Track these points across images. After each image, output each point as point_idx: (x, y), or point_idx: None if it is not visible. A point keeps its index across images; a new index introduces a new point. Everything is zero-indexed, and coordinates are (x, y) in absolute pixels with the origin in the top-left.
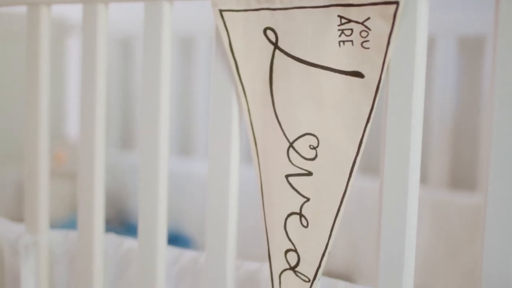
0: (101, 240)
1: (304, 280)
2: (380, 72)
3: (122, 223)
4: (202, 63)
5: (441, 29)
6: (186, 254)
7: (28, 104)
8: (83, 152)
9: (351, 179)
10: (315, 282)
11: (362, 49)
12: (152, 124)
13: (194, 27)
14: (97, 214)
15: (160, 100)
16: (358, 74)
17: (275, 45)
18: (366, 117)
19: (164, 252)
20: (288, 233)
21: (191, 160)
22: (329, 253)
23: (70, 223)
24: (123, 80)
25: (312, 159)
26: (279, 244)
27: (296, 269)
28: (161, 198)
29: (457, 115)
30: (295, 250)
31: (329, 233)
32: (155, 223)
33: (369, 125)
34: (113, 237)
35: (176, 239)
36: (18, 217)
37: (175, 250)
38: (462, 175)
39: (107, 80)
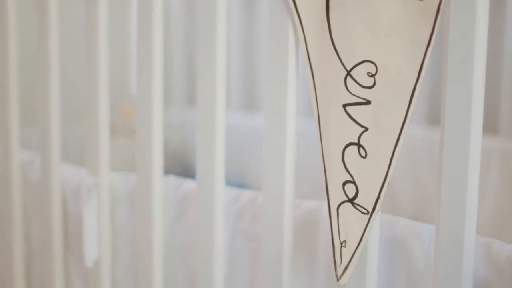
0: (161, 182)
1: (362, 213)
2: None
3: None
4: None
5: None
6: (245, 194)
7: (88, 59)
8: (140, 104)
9: (411, 106)
10: (374, 214)
11: None
12: (209, 80)
13: None
14: (156, 155)
15: (216, 55)
16: None
17: None
18: (426, 41)
19: (222, 189)
20: (346, 164)
21: (255, 114)
22: (388, 184)
23: None
24: (186, 37)
25: (371, 87)
26: (337, 176)
27: (355, 201)
28: (218, 137)
29: None
30: (354, 182)
31: (388, 163)
32: (213, 160)
33: (429, 49)
34: (172, 179)
35: None
36: None
37: (235, 190)
38: None
39: (167, 35)
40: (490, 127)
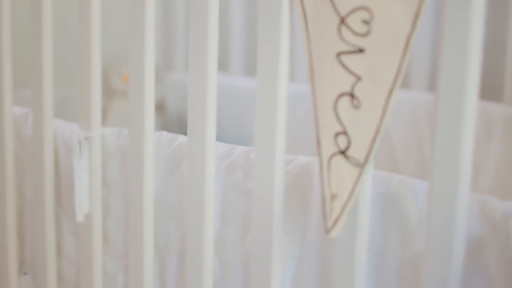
0: (152, 135)
1: (354, 165)
2: None
3: None
4: None
5: None
6: (238, 149)
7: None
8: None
9: (406, 57)
10: (366, 166)
11: None
12: (200, 44)
13: None
14: (147, 110)
15: (208, 23)
16: None
17: None
18: None
19: (213, 144)
20: (339, 115)
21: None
22: (381, 136)
23: None
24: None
25: (365, 35)
26: (329, 127)
27: (346, 153)
28: (210, 90)
29: None
30: (346, 133)
31: (382, 114)
32: (204, 114)
33: None
34: (165, 134)
35: None
36: None
37: (227, 145)
38: None
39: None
40: (495, 95)
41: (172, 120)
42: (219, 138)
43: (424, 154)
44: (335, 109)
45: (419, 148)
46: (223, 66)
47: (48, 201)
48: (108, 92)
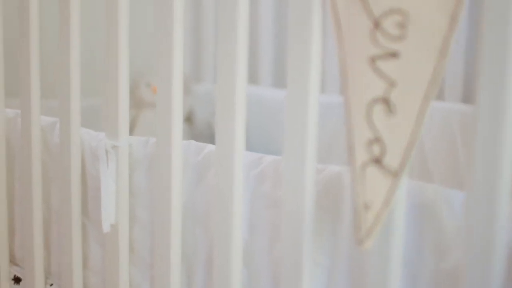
0: (179, 145)
1: (389, 173)
2: None
3: None
4: None
5: None
6: (267, 158)
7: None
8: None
9: (443, 60)
10: (401, 175)
11: None
12: (229, 54)
13: None
14: (175, 119)
15: (238, 33)
16: None
17: None
18: None
19: (242, 152)
20: (373, 121)
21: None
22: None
23: None
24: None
25: (400, 38)
26: (362, 134)
27: (381, 161)
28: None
29: None
30: (380, 140)
31: (418, 120)
32: (233, 122)
33: None
34: (193, 143)
35: None
36: None
37: (255, 154)
38: None
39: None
40: None
41: (201, 132)
42: (246, 149)
43: (458, 165)
44: (368, 115)
45: (453, 159)
46: (252, 78)
47: (75, 211)
48: (137, 103)
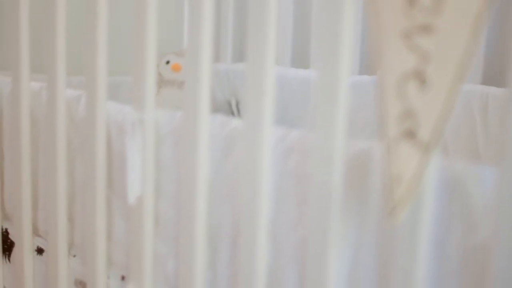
0: (207, 118)
1: (422, 147)
2: None
3: None
4: None
5: None
6: (293, 133)
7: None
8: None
9: (478, 32)
10: (434, 149)
11: None
12: (260, 36)
13: None
14: (203, 92)
15: (268, 13)
16: None
17: None
18: None
19: (270, 127)
20: (406, 96)
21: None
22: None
23: None
24: None
25: (436, 10)
26: (395, 108)
27: (414, 134)
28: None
29: None
30: (413, 114)
31: (451, 95)
32: (262, 97)
33: None
34: (219, 117)
35: None
36: None
37: (282, 129)
38: None
39: None
40: None
41: (220, 111)
42: None
43: (477, 147)
44: (401, 90)
45: (472, 141)
46: None
47: (100, 183)
48: (156, 81)
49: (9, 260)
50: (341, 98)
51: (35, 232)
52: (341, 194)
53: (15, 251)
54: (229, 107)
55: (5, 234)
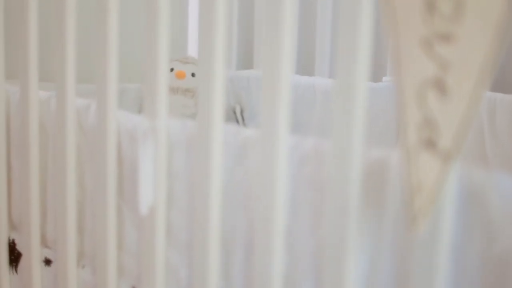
0: (220, 127)
1: (442, 156)
2: None
3: None
4: None
5: None
6: (308, 140)
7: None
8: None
9: (500, 42)
10: (455, 158)
11: None
12: (274, 45)
13: None
14: (217, 100)
15: (282, 24)
16: None
17: None
18: None
19: (286, 134)
20: (426, 104)
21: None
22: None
23: None
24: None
25: (456, 17)
26: (415, 116)
27: (434, 143)
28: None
29: None
30: (434, 123)
31: (473, 103)
32: (278, 105)
33: None
34: (232, 126)
35: None
36: None
37: (296, 136)
38: None
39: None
40: None
41: (226, 118)
42: None
43: (485, 153)
44: (421, 98)
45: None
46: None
47: (110, 192)
48: None
49: (16, 271)
50: (358, 105)
51: (43, 242)
52: (358, 202)
53: (22, 262)
54: (234, 115)
55: (12, 245)
